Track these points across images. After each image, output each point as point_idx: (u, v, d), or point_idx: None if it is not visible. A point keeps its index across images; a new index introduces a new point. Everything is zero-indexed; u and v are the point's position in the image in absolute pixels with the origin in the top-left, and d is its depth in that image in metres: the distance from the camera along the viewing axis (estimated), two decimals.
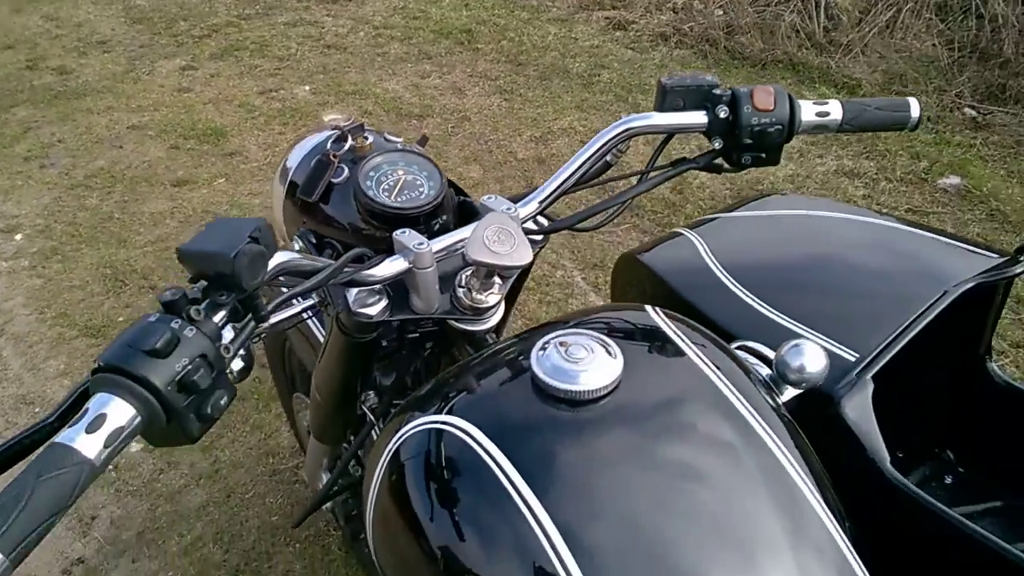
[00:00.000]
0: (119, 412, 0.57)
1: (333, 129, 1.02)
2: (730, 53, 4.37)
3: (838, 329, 1.22)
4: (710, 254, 1.35)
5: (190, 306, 0.62)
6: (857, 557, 0.73)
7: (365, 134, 1.00)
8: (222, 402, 0.63)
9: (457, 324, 0.89)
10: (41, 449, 0.56)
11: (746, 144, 0.96)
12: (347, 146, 0.98)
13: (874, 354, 1.15)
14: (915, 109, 1.01)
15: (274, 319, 0.81)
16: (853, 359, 1.16)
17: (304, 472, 1.46)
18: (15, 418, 2.21)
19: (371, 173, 0.94)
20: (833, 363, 1.13)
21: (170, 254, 2.85)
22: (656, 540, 0.67)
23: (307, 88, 4.11)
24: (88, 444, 0.55)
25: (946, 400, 1.49)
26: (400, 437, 0.79)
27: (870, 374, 1.14)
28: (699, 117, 0.97)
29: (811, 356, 0.89)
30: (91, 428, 0.56)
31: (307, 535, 1.85)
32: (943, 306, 1.21)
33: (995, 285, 1.39)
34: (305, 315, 0.90)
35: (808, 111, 0.97)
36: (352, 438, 1.25)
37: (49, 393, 2.28)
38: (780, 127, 0.95)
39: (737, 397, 0.79)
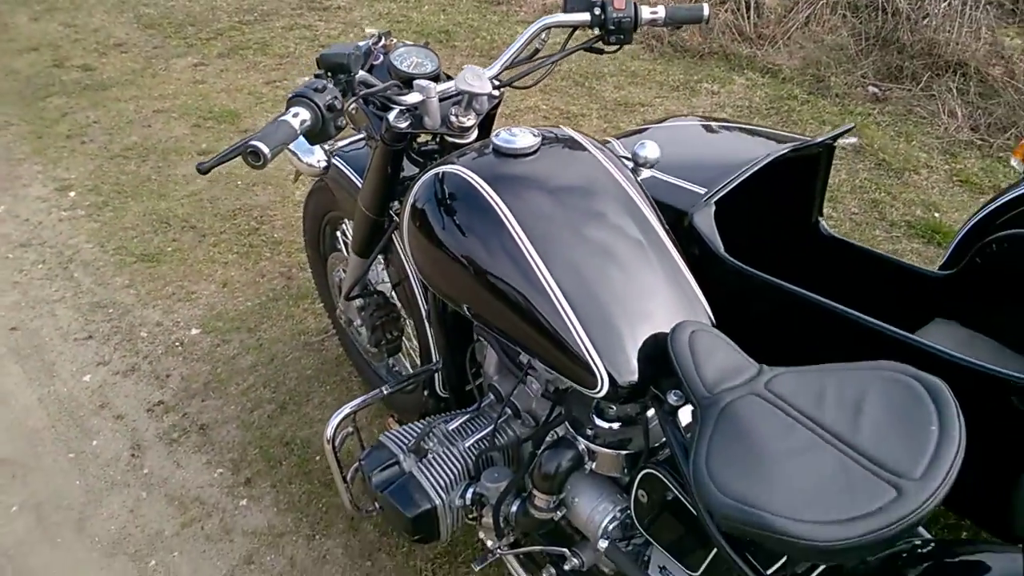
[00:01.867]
0: (303, 112, 1.19)
1: (371, 36, 1.64)
2: (673, 47, 5.05)
3: (702, 179, 1.86)
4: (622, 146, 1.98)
5: (329, 79, 1.25)
6: (690, 275, 1.34)
7: (392, 38, 1.62)
8: (340, 122, 1.25)
9: (449, 138, 1.51)
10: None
11: (611, 30, 1.59)
12: (381, 43, 1.61)
13: (715, 190, 1.80)
14: (706, 10, 1.65)
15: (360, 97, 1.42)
16: (703, 192, 1.81)
17: (345, 285, 2.01)
18: (92, 317, 2.78)
19: (398, 57, 1.56)
20: (693, 197, 1.81)
21: (204, 204, 3.44)
22: (576, 232, 1.29)
23: (307, 79, 4.72)
24: (292, 121, 1.17)
25: (791, 247, 2.13)
26: (420, 180, 1.41)
27: (713, 200, 1.79)
28: (586, 16, 1.60)
29: (651, 149, 1.53)
30: (289, 115, 1.18)
31: (335, 380, 2.45)
32: (766, 162, 1.86)
33: (817, 163, 2.05)
34: (363, 134, 1.53)
35: (645, 11, 1.60)
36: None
37: (119, 299, 2.86)
38: (629, 18, 1.58)
39: (612, 163, 1.42)
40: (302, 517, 2.04)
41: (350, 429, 1.70)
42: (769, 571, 1.11)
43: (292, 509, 2.06)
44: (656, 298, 1.30)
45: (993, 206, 1.98)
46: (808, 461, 1.04)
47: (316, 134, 1.27)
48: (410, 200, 1.43)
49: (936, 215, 3.24)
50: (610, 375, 1.23)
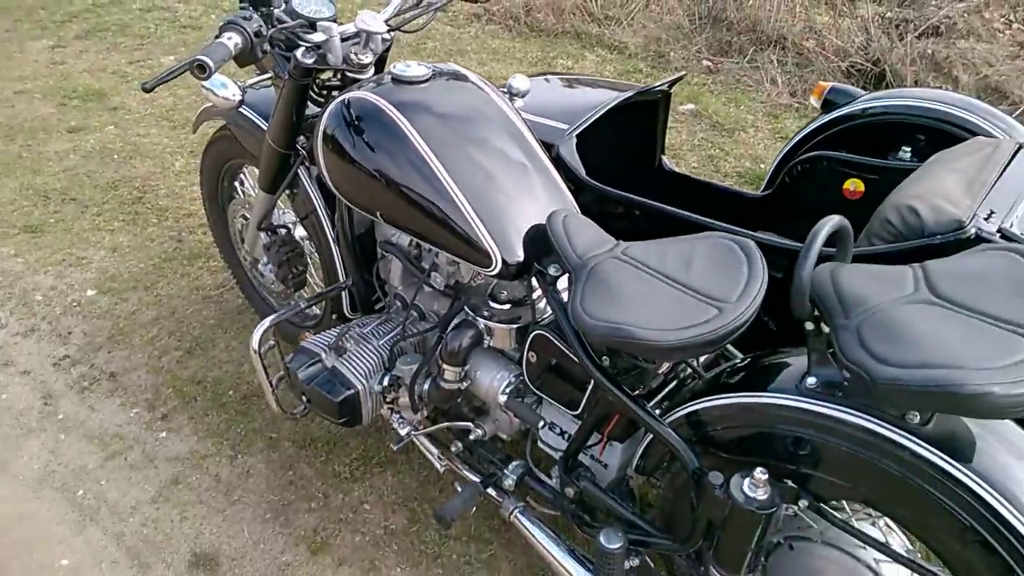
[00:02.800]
0: (235, 36, 1.40)
1: None
2: (529, 27, 5.42)
3: (566, 118, 2.19)
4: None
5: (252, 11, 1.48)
6: (559, 178, 1.65)
7: None
8: (264, 47, 1.47)
9: (349, 74, 1.75)
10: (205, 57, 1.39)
11: None
12: None
13: (576, 125, 2.13)
14: None
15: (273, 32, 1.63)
16: (567, 127, 2.14)
17: (253, 219, 2.19)
18: None
19: (298, 4, 1.77)
20: (558, 133, 2.13)
21: (81, 178, 3.46)
22: (469, 143, 1.56)
23: (172, 58, 4.74)
24: (227, 43, 1.39)
25: (641, 182, 2.50)
26: (329, 109, 1.65)
27: (574, 134, 2.12)
28: None
29: (521, 81, 1.84)
30: (224, 38, 1.39)
31: (238, 327, 2.61)
32: (616, 103, 2.21)
33: (657, 108, 2.43)
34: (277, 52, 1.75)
35: None
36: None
37: (7, 268, 2.88)
38: None
39: (492, 90, 1.70)
40: (223, 441, 2.21)
41: (272, 342, 1.90)
42: (634, 394, 1.44)
43: (212, 435, 2.23)
44: (535, 194, 1.60)
45: (797, 137, 2.42)
46: (655, 296, 1.37)
47: (245, 56, 1.48)
48: (322, 127, 1.67)
49: (761, 166, 3.75)
50: (502, 256, 1.52)
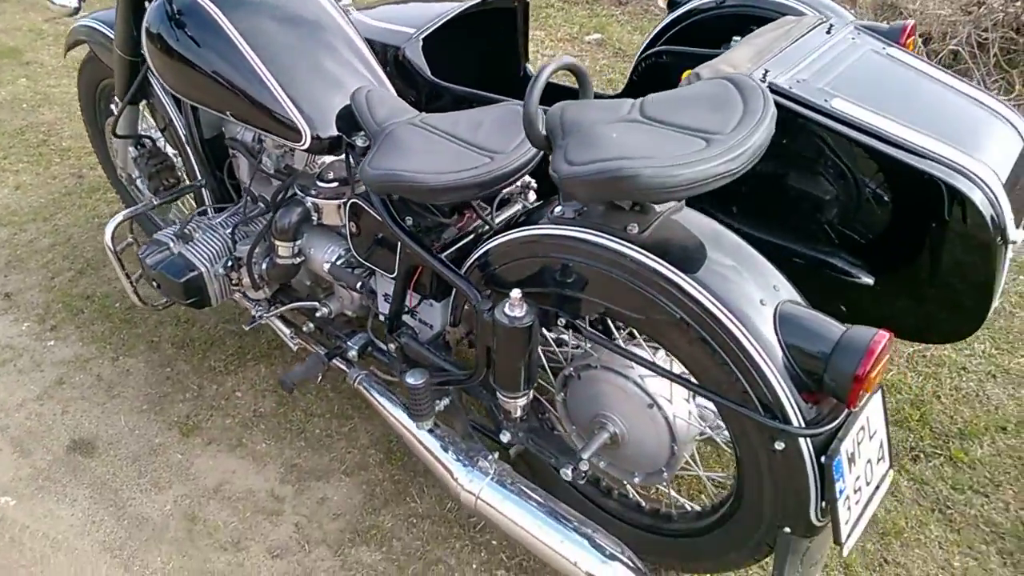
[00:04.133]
0: None
1: None
2: None
3: (413, 24, 2.31)
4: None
5: None
6: (374, 61, 1.78)
7: None
8: None
9: None
10: None
11: None
12: None
13: (422, 28, 2.26)
14: None
15: None
16: (414, 31, 2.26)
17: (119, 133, 2.31)
18: None
19: None
20: (405, 36, 2.26)
21: None
22: (280, 29, 1.69)
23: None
24: None
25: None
26: (151, 9, 1.76)
27: (421, 37, 2.24)
28: None
29: None
30: None
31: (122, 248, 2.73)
32: (461, 11, 2.33)
33: (515, 17, 2.56)
34: None
35: None
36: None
37: None
38: None
39: None
40: (106, 346, 2.35)
41: (129, 240, 2.03)
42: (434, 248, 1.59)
43: (96, 341, 2.36)
44: (346, 76, 1.74)
45: (649, 37, 2.55)
46: (436, 150, 1.51)
47: None
48: (145, 28, 1.78)
49: None
50: (310, 130, 1.66)
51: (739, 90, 1.27)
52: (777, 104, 1.71)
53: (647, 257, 1.29)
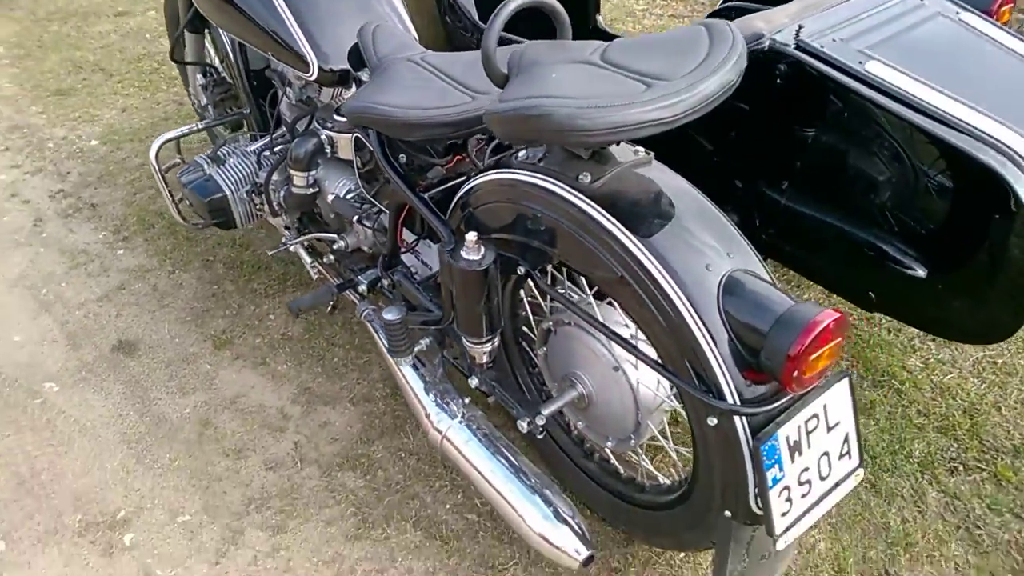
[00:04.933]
0: None
1: None
2: None
3: None
4: None
5: None
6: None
7: None
8: None
9: None
10: None
11: None
12: None
13: None
14: None
15: None
16: None
17: (190, 88, 2.46)
18: (9, 136, 3.21)
19: None
20: None
21: (114, 52, 3.84)
22: None
23: None
24: None
25: None
26: None
27: None
28: None
29: None
30: None
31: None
32: None
33: None
34: None
35: None
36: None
37: (32, 122, 3.29)
38: None
39: None
40: (166, 260, 2.52)
41: (178, 160, 2.16)
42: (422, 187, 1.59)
43: (158, 255, 2.54)
44: (362, 10, 1.75)
45: None
46: (422, 87, 1.50)
47: None
48: None
49: None
50: (318, 62, 1.68)
51: (709, 35, 1.18)
52: (804, 64, 1.59)
53: (593, 208, 1.23)
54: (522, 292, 1.64)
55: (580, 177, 1.25)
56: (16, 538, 1.77)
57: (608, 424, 1.57)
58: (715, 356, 1.17)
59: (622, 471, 1.68)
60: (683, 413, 1.42)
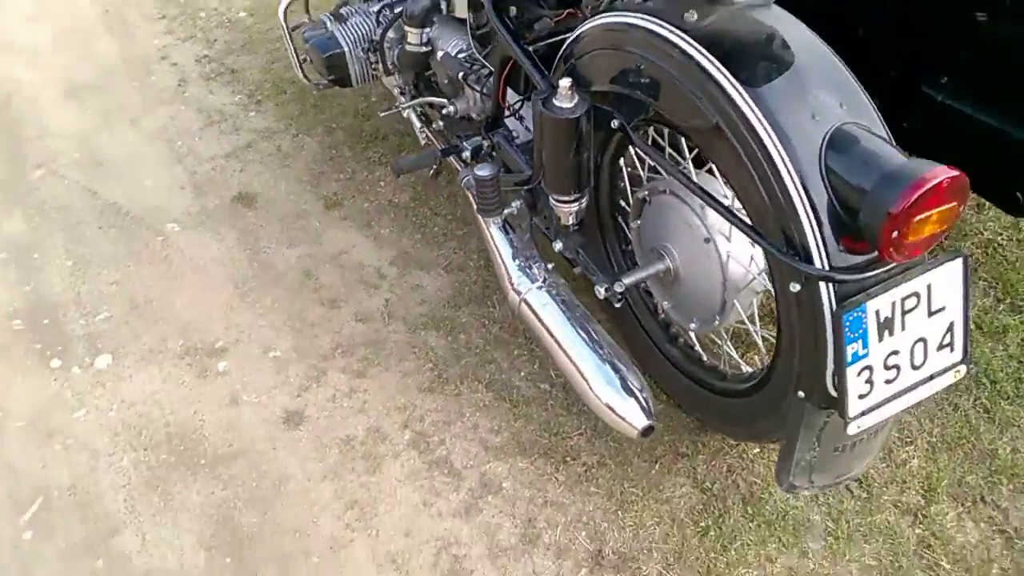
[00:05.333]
0: None
1: None
2: None
3: None
4: None
5: None
6: None
7: None
8: None
9: None
10: None
11: None
12: None
13: None
14: None
15: None
16: None
17: None
18: (168, 7, 3.39)
19: None
20: None
21: None
22: None
23: None
24: None
25: None
26: None
27: None
28: None
29: None
30: None
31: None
32: None
33: None
34: None
35: None
36: None
37: None
38: None
39: None
40: (292, 124, 2.61)
41: (306, 20, 2.20)
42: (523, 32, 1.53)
43: (286, 119, 2.63)
44: None
45: None
46: None
47: None
48: None
49: None
50: None
51: None
52: None
53: (693, 48, 1.14)
54: (622, 161, 1.58)
55: (686, 16, 1.16)
56: (122, 354, 1.92)
57: (694, 303, 1.49)
58: (808, 215, 1.07)
59: (705, 358, 1.60)
60: (772, 292, 1.32)
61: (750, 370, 1.49)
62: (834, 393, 1.14)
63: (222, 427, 1.76)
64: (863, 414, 1.11)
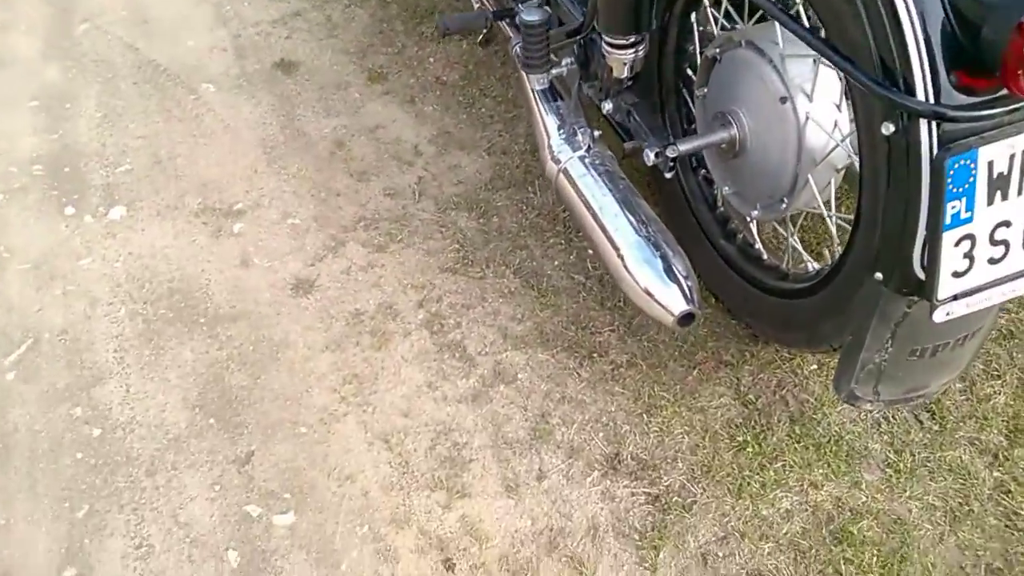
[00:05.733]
0: None
1: None
2: None
3: None
4: None
5: None
6: None
7: None
8: None
9: None
10: None
11: None
12: None
13: None
14: None
15: None
16: None
17: None
18: None
19: None
20: None
21: None
22: None
23: None
24: None
25: None
26: None
27: None
28: None
29: None
30: None
31: None
32: None
33: None
34: None
35: None
36: None
37: None
38: None
39: None
40: None
41: None
42: None
43: None
44: None
45: None
46: None
47: None
48: None
49: None
50: None
51: None
52: None
53: None
54: (693, 17, 1.35)
55: None
56: (138, 207, 1.80)
57: (760, 183, 1.27)
58: (914, 34, 0.83)
59: (765, 256, 1.38)
60: (855, 165, 1.09)
61: (816, 267, 1.26)
62: (921, 275, 0.92)
63: (227, 288, 1.63)
64: (955, 298, 0.89)
